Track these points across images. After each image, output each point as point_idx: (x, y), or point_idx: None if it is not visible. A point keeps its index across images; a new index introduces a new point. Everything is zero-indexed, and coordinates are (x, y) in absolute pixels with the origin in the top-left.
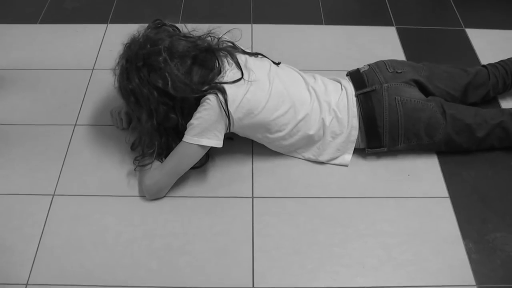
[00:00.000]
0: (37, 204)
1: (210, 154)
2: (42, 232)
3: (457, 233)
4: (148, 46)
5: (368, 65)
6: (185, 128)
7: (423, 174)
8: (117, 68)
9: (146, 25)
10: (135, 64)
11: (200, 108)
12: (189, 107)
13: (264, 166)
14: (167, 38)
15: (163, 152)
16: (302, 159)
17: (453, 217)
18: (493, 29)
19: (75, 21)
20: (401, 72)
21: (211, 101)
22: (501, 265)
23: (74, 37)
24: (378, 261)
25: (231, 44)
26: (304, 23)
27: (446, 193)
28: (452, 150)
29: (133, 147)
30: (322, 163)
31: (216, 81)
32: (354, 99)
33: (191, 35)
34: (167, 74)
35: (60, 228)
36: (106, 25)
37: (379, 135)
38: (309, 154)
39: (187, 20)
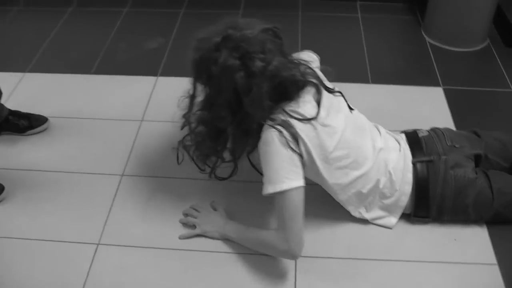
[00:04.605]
0: (81, 252)
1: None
2: (85, 281)
3: None
4: (256, 46)
5: (427, 131)
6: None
7: (471, 239)
8: (205, 39)
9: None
10: (231, 51)
11: (264, 153)
12: (247, 127)
13: (307, 224)
14: (277, 53)
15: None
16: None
17: (502, 286)
18: None
19: (126, 73)
20: (458, 147)
21: (274, 141)
22: None
23: (125, 88)
24: None
25: (319, 77)
26: (351, 81)
27: (494, 260)
28: (499, 221)
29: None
30: (366, 222)
31: (287, 110)
32: (410, 165)
33: (293, 58)
34: (254, 84)
35: (103, 278)
36: (156, 77)
37: (428, 206)
38: (355, 211)
39: None
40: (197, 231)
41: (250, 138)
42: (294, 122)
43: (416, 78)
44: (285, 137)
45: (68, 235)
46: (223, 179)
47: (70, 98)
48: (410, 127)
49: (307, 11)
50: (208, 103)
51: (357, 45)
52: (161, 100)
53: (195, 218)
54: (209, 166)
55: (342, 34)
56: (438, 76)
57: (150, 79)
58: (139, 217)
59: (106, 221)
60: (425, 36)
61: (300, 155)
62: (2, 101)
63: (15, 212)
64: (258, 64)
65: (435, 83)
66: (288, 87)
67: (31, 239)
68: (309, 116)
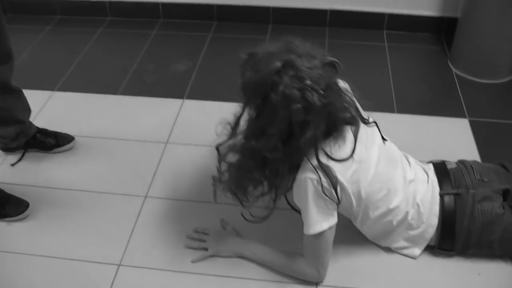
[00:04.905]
0: (102, 272)
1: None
2: None
3: None
4: (318, 81)
5: (456, 163)
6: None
7: (495, 274)
8: (263, 59)
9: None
10: (292, 80)
11: (301, 195)
12: (294, 161)
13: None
14: (337, 91)
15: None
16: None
17: None
18: None
19: (153, 95)
20: (487, 181)
21: (310, 188)
22: None
23: (151, 110)
24: None
25: (358, 108)
26: (376, 111)
27: None
28: None
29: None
30: (388, 251)
31: (327, 151)
32: (438, 197)
33: (347, 93)
34: (311, 121)
35: None
36: (182, 100)
37: (453, 239)
38: (380, 241)
39: None
40: (210, 252)
41: (292, 173)
42: (333, 164)
43: (441, 109)
44: (322, 184)
45: (89, 255)
46: (261, 220)
47: (96, 118)
48: (434, 158)
49: (333, 38)
50: (257, 131)
51: (383, 74)
52: (187, 123)
53: (204, 241)
54: (248, 200)
55: (368, 63)
56: (464, 107)
57: (176, 101)
58: (161, 240)
59: (128, 242)
60: (451, 66)
61: (336, 200)
62: (31, 119)
63: (38, 229)
64: (318, 100)
65: (461, 115)
66: (338, 126)
67: (52, 257)
68: (347, 156)
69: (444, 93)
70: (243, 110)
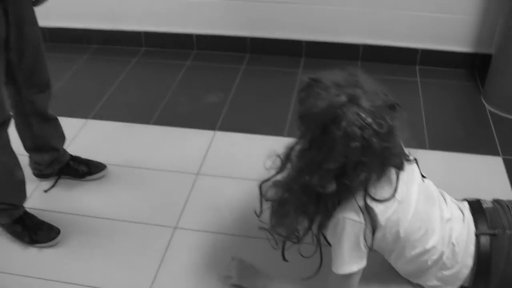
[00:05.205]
0: None
1: None
2: None
3: None
4: (381, 123)
5: (492, 202)
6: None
7: None
8: (327, 89)
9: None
10: (355, 117)
11: (336, 233)
12: (342, 198)
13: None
14: (396, 135)
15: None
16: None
17: None
18: None
19: (185, 125)
20: None
21: (348, 229)
22: None
23: (182, 141)
24: None
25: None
26: (408, 146)
27: None
28: None
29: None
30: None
31: (371, 193)
32: (474, 236)
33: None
34: (366, 162)
35: None
36: (214, 132)
37: (488, 281)
38: (412, 278)
39: None
40: (233, 281)
41: (335, 210)
42: (375, 205)
43: (474, 146)
44: (363, 229)
45: (118, 284)
46: (316, 270)
47: (129, 147)
48: (466, 196)
49: (366, 73)
50: (313, 165)
51: (416, 109)
52: (218, 154)
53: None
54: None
55: (400, 98)
56: (497, 145)
57: (208, 133)
58: (190, 271)
59: (157, 273)
60: (485, 103)
61: (370, 244)
62: (64, 146)
63: (68, 256)
64: (378, 143)
65: (494, 152)
66: (386, 169)
67: (81, 285)
68: (389, 196)
69: (477, 130)
70: (300, 139)
